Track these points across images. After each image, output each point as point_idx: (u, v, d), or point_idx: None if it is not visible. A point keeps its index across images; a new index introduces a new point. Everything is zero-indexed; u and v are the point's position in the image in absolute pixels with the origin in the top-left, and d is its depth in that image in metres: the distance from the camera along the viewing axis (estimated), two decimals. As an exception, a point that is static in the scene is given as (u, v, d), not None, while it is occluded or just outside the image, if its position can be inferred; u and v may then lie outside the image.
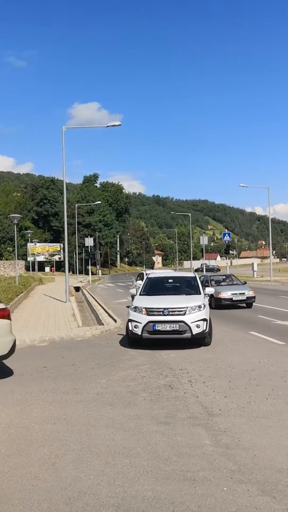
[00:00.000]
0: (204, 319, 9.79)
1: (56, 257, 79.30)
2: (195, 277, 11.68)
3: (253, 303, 18.68)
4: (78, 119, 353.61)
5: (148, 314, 9.83)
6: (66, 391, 6.66)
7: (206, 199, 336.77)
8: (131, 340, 10.15)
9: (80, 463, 4.20)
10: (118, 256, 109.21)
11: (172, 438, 4.79)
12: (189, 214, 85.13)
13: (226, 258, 59.16)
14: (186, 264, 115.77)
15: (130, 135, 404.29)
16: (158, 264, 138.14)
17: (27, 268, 68.09)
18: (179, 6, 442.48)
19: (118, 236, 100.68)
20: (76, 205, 65.72)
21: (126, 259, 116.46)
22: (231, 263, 79.07)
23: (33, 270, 64.61)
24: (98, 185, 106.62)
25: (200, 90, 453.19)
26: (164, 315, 9.76)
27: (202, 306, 9.98)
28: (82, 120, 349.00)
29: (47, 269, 76.37)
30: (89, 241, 57.55)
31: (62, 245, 70.97)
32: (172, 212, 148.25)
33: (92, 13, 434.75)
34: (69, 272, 23.51)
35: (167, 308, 9.82)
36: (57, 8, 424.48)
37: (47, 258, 79.31)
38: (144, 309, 9.93)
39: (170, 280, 12.25)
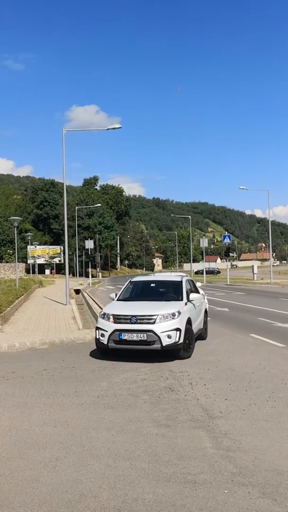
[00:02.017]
0: (177, 329, 8.70)
1: (56, 260, 79.33)
2: (181, 281, 10.38)
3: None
4: (77, 122, 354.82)
5: (115, 322, 8.89)
6: (67, 393, 6.66)
7: (206, 202, 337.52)
8: (100, 350, 9.38)
9: (81, 466, 4.20)
10: (118, 258, 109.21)
11: (173, 441, 4.79)
12: (189, 217, 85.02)
13: (226, 261, 59.18)
14: (186, 266, 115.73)
15: (129, 138, 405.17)
16: (158, 267, 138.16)
17: (27, 271, 68.09)
18: (178, 8, 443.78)
19: (118, 239, 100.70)
20: (76, 208, 65.77)
21: (126, 262, 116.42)
22: (231, 265, 79.07)
23: (33, 272, 64.57)
24: (98, 187, 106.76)
25: (200, 91, 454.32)
26: (132, 323, 8.76)
27: (176, 314, 8.85)
28: (81, 122, 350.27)
29: (47, 271, 76.37)
30: (89, 244, 57.58)
31: (62, 247, 71.04)
32: (172, 215, 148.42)
33: (90, 15, 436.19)
34: (69, 274, 23.51)
35: (135, 316, 8.83)
36: (55, 11, 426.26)
37: (47, 261, 79.35)
38: (111, 316, 9.02)
39: (152, 285, 11.17)
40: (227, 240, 46.15)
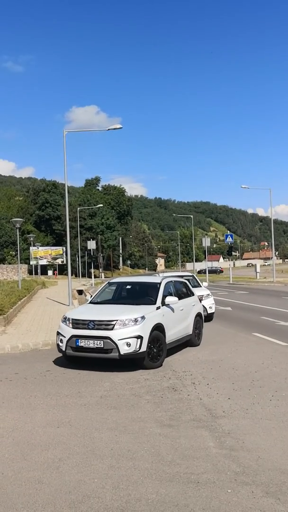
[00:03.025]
0: (138, 336, 7.90)
1: (59, 261, 79.38)
2: (160, 283, 9.48)
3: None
4: (77, 123, 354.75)
5: (73, 327, 8.28)
6: (70, 394, 6.66)
7: (208, 201, 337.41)
8: (64, 357, 8.74)
9: (84, 467, 4.20)
10: (121, 258, 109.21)
11: (176, 441, 4.79)
12: (191, 216, 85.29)
13: (229, 260, 59.10)
14: (189, 266, 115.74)
15: (130, 138, 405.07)
16: (160, 266, 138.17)
17: (30, 272, 68.14)
18: (178, 9, 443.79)
19: (120, 239, 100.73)
20: (78, 209, 65.80)
21: (129, 262, 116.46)
22: (234, 264, 79.02)
23: (36, 273, 64.63)
24: (100, 188, 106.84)
25: (200, 91, 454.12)
26: (89, 328, 8.10)
27: (139, 319, 8.05)
28: (81, 123, 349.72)
29: (50, 272, 76.41)
30: (91, 244, 57.58)
31: (64, 248, 71.09)
32: (174, 214, 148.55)
33: (89, 16, 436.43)
34: (71, 275, 23.53)
35: (93, 321, 8.14)
36: (54, 12, 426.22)
37: (49, 262, 79.39)
38: (70, 321, 8.41)
39: (128, 287, 10.48)
40: (229, 239, 46.07)
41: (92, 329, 8.07)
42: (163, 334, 8.58)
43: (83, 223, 77.98)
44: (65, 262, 68.61)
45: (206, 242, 50.53)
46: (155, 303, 8.87)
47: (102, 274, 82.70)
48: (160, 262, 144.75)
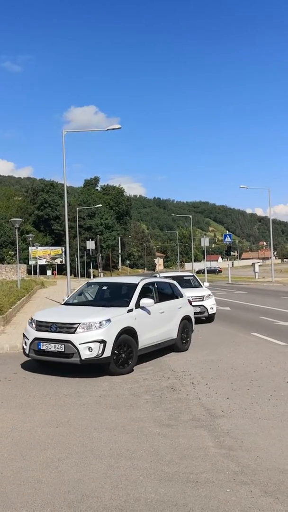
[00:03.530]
0: (101, 341, 7.48)
1: (58, 261, 79.37)
2: (137, 284, 9.03)
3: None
4: (76, 123, 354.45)
5: (37, 329, 8.00)
6: (69, 394, 6.67)
7: (207, 201, 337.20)
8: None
9: (83, 466, 4.20)
10: (120, 258, 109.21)
11: (175, 440, 4.80)
12: (190, 216, 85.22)
13: (228, 260, 59.12)
14: (188, 266, 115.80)
15: (129, 138, 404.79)
16: (159, 266, 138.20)
17: (29, 272, 68.08)
18: (177, 8, 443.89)
19: (119, 239, 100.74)
20: (77, 209, 65.79)
21: (128, 262, 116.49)
22: (232, 264, 79.07)
23: (35, 273, 64.58)
24: (99, 188, 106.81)
25: (199, 90, 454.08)
26: (51, 331, 7.78)
27: (104, 322, 7.65)
28: (80, 123, 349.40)
29: (49, 272, 76.40)
30: (90, 244, 57.63)
31: (63, 248, 71.05)
32: (173, 214, 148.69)
33: (88, 15, 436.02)
34: (71, 275, 23.53)
35: (55, 323, 7.81)
36: (52, 12, 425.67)
37: (49, 262, 79.38)
38: (35, 323, 8.15)
39: (104, 287, 10.18)
40: (228, 239, 46.11)
41: (54, 331, 7.75)
42: (134, 339, 8.12)
43: (82, 223, 77.98)
44: (64, 262, 68.59)
45: (205, 242, 50.56)
46: (125, 305, 8.45)
47: (101, 274, 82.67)
48: (159, 262, 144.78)
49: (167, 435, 4.96)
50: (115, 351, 7.73)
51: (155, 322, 8.92)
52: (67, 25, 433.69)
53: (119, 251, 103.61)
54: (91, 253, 67.74)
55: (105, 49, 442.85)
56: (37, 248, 74.05)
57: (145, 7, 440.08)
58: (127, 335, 8.01)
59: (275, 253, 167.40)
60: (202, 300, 14.18)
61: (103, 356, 7.54)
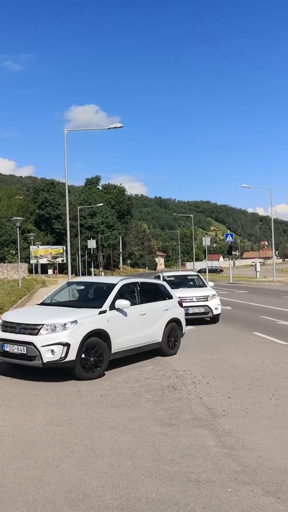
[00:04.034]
0: (65, 344, 7.15)
1: (59, 260, 79.40)
2: (115, 284, 8.62)
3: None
4: (76, 122, 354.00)
5: (2, 330, 7.75)
6: (70, 393, 6.66)
7: (208, 200, 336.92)
8: None
9: (84, 465, 4.20)
10: (121, 258, 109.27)
11: (176, 440, 4.79)
12: (191, 216, 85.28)
13: (229, 259, 59.12)
14: (189, 265, 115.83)
15: (130, 137, 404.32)
16: (160, 266, 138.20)
17: (30, 271, 68.15)
18: (178, 9, 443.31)
19: (120, 238, 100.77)
20: (78, 208, 65.83)
21: (129, 261, 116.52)
22: (234, 263, 79.03)
23: (36, 272, 64.69)
24: (100, 187, 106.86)
25: (200, 90, 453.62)
26: (15, 332, 7.50)
27: (69, 324, 7.31)
28: (80, 122, 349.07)
29: (50, 271, 76.45)
30: (91, 243, 57.68)
31: (64, 247, 71.10)
32: (174, 214, 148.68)
33: (89, 15, 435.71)
34: (72, 274, 23.54)
35: (20, 324, 7.53)
36: (53, 11, 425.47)
37: (50, 261, 79.41)
38: (2, 323, 7.91)
39: (82, 287, 9.91)
40: (229, 239, 46.12)
41: (18, 333, 7.45)
42: (106, 342, 7.74)
43: (83, 222, 78.00)
44: (65, 261, 68.65)
45: (206, 241, 50.56)
46: (98, 306, 8.06)
47: (102, 273, 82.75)
48: (160, 261, 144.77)
49: (168, 434, 4.95)
50: (82, 355, 7.36)
51: (134, 324, 8.49)
52: (68, 25, 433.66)
53: (120, 250, 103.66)
54: (92, 252, 67.88)
55: (106, 48, 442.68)
56: (38, 247, 74.15)
57: (146, 9, 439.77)
58: (97, 338, 7.60)
59: (277, 252, 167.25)
60: (206, 300, 13.84)
61: (66, 359, 7.20)
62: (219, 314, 14.17)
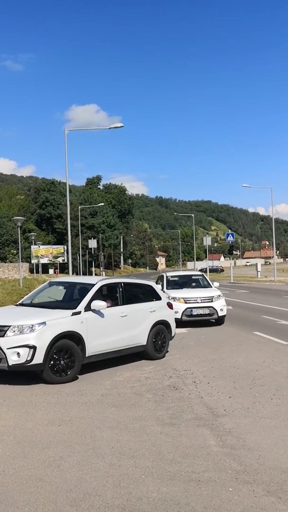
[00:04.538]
0: (31, 346, 6.91)
1: (60, 259, 79.35)
2: (93, 284, 8.31)
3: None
4: (77, 121, 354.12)
5: None
6: (71, 392, 6.67)
7: (209, 200, 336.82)
8: None
9: (85, 465, 4.20)
10: (122, 257, 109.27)
11: (177, 439, 4.79)
12: (192, 215, 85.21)
13: (230, 259, 59.09)
14: (190, 265, 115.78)
15: (130, 137, 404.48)
16: (161, 265, 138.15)
17: (31, 271, 68.21)
18: (178, 8, 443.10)
19: (121, 238, 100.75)
20: (79, 207, 65.84)
21: (130, 261, 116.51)
22: (234, 263, 78.97)
23: (37, 272, 64.73)
24: (101, 187, 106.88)
25: (200, 89, 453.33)
26: None
27: (36, 326, 7.07)
28: (81, 122, 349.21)
29: (51, 271, 76.43)
30: (92, 243, 57.63)
31: (65, 247, 71.10)
32: (175, 213, 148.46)
33: (89, 14, 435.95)
34: (73, 274, 23.54)
35: None
36: (53, 11, 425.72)
37: (51, 260, 79.38)
38: None
39: (62, 287, 9.61)
40: (230, 238, 46.07)
41: None
42: (79, 344, 7.48)
43: (84, 222, 78.01)
44: (66, 260, 68.69)
45: (207, 241, 50.58)
46: (72, 307, 7.81)
47: (103, 273, 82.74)
48: (161, 261, 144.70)
49: (169, 434, 4.95)
50: (52, 358, 7.12)
51: (113, 326, 8.21)
52: (68, 24, 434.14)
53: (121, 250, 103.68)
54: (93, 252, 67.83)
55: (106, 48, 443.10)
56: (39, 246, 74.14)
57: (147, 7, 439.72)
58: (68, 341, 7.34)
59: (278, 252, 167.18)
60: (211, 301, 13.41)
61: (32, 362, 6.94)
62: (224, 315, 13.74)
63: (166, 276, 15.43)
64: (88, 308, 7.83)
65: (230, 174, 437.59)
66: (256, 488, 3.70)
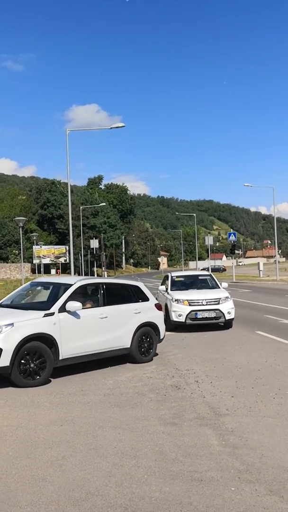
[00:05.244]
0: None
1: (62, 259, 79.48)
2: (71, 285, 8.08)
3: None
4: (77, 121, 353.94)
5: None
6: (73, 392, 6.67)
7: (211, 199, 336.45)
8: None
9: (88, 465, 4.20)
10: (124, 257, 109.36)
11: (179, 439, 4.79)
12: (194, 215, 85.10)
13: (232, 258, 59.06)
14: (192, 264, 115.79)
15: (131, 136, 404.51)
16: (163, 265, 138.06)
17: (33, 271, 68.34)
18: (179, 6, 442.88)
19: (123, 238, 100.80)
20: (80, 207, 65.91)
21: (132, 260, 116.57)
22: (236, 262, 78.95)
23: (39, 272, 64.82)
24: (102, 187, 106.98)
25: (202, 88, 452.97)
26: None
27: (4, 327, 6.91)
28: (81, 122, 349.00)
29: (53, 271, 76.59)
30: (94, 243, 57.71)
31: (67, 247, 71.20)
32: (177, 213, 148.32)
33: (90, 14, 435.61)
34: (75, 274, 23.57)
35: None
36: (53, 10, 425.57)
37: (53, 261, 79.53)
38: None
39: (40, 287, 9.46)
40: (232, 238, 46.05)
41: None
42: (51, 347, 7.26)
43: (86, 222, 78.09)
44: (68, 261, 68.77)
45: (209, 240, 50.57)
46: (46, 308, 7.61)
47: (105, 272, 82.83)
48: (163, 260, 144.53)
49: (171, 433, 4.95)
50: (21, 360, 6.90)
51: (91, 328, 7.95)
52: (69, 24, 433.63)
53: (123, 250, 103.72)
54: (95, 252, 67.88)
55: (107, 47, 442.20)
56: (41, 247, 74.28)
57: (147, 6, 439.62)
58: (39, 343, 7.12)
59: (280, 251, 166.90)
60: (218, 304, 12.43)
61: None
62: (232, 318, 12.70)
63: (171, 277, 14.54)
64: (63, 309, 7.58)
65: (232, 173, 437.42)
66: (259, 487, 3.70)
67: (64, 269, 75.70)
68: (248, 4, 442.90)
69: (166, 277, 14.97)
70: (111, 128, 23.84)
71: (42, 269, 65.53)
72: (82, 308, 7.83)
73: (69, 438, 4.87)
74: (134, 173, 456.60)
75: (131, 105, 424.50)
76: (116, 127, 23.37)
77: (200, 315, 12.30)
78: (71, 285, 8.10)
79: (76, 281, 8.30)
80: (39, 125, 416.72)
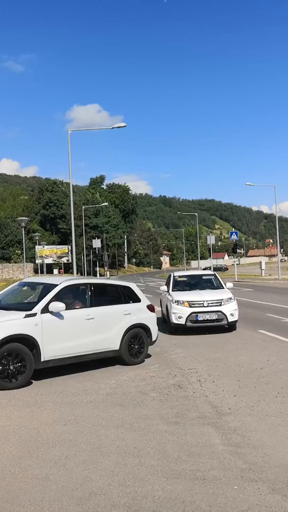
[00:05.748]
0: None
1: (64, 259, 79.55)
2: (56, 285, 7.88)
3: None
4: (78, 121, 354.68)
5: None
6: (76, 392, 6.68)
7: (212, 199, 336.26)
8: None
9: (91, 464, 4.21)
10: (126, 257, 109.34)
11: (182, 438, 4.79)
12: (196, 214, 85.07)
13: (234, 257, 58.98)
14: (194, 263, 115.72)
15: (133, 136, 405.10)
16: (165, 264, 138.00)
17: (36, 271, 68.42)
18: (179, 7, 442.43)
19: (125, 237, 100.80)
20: (83, 207, 65.94)
21: (134, 260, 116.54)
22: (238, 261, 78.82)
23: (42, 272, 64.88)
24: (104, 186, 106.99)
25: (203, 88, 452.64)
26: None
27: None
28: (83, 122, 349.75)
29: (55, 271, 76.65)
30: (96, 243, 57.73)
31: (70, 247, 71.24)
32: (179, 212, 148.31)
33: (90, 14, 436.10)
34: (77, 274, 23.59)
35: None
36: (54, 11, 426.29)
37: (55, 261, 79.63)
38: None
39: (26, 288, 9.36)
40: (234, 237, 45.96)
41: None
42: (33, 349, 7.10)
43: (88, 222, 78.13)
44: (70, 260, 68.84)
45: (211, 239, 50.55)
46: (27, 309, 7.45)
47: (108, 272, 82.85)
48: (165, 260, 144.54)
49: (174, 432, 4.96)
50: (1, 361, 6.76)
51: (76, 329, 7.76)
52: (69, 24, 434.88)
53: (125, 249, 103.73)
54: (97, 252, 67.89)
55: (107, 47, 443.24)
56: (43, 247, 74.35)
57: (148, 5, 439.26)
58: (19, 344, 6.95)
59: (282, 250, 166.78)
60: (220, 305, 11.88)
61: None
62: (235, 321, 12.15)
63: (174, 276, 14.00)
64: (45, 310, 7.39)
65: (233, 172, 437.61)
66: (261, 486, 3.70)
67: (67, 269, 75.73)
68: (249, 4, 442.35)
69: (169, 277, 14.54)
70: (112, 128, 23.84)
71: (44, 269, 65.56)
72: (68, 309, 7.66)
73: (72, 438, 4.88)
74: (136, 173, 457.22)
75: (133, 105, 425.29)
76: (118, 127, 23.37)
77: (201, 317, 11.85)
78: (55, 285, 7.88)
79: (61, 281, 8.08)
80: (41, 125, 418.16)
